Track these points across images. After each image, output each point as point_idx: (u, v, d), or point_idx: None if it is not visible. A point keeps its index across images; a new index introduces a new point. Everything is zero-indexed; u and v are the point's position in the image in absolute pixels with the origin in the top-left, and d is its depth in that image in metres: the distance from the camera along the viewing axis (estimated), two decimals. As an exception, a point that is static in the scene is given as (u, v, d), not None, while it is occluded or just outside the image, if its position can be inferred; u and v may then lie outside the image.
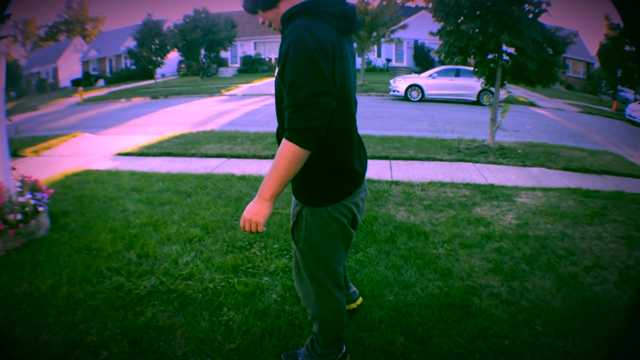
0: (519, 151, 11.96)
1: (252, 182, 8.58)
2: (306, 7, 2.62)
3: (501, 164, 10.59)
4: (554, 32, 11.94)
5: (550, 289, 4.83)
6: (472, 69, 13.59)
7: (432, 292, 4.60)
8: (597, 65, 49.89)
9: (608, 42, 41.73)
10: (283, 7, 2.72)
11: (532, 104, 30.01)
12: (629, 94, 46.00)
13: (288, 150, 2.50)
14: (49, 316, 4.50)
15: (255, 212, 2.68)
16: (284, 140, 2.52)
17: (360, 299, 4.33)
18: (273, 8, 2.75)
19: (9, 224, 6.20)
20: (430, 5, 12.15)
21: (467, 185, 8.54)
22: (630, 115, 27.48)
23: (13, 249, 6.23)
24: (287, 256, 5.49)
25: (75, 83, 64.99)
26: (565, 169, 10.52)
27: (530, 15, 11.39)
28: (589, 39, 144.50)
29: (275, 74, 2.70)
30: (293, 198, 3.07)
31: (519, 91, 36.72)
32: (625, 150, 15.36)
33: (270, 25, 2.88)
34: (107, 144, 14.20)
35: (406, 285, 4.75)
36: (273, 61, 60.18)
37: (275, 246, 5.76)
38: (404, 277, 4.91)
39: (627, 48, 39.20)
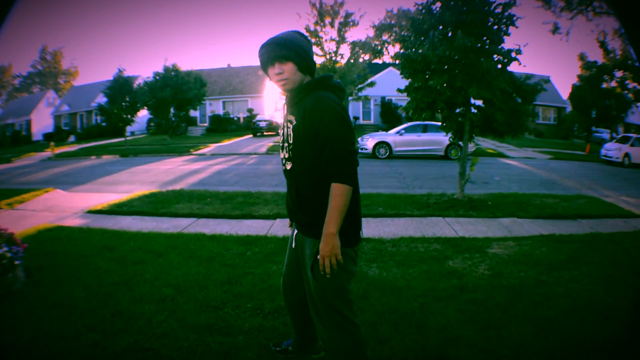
0: (489, 203, 12.12)
1: (223, 242, 8.65)
2: (323, 81, 3.42)
3: (471, 216, 10.74)
4: (524, 80, 12.28)
5: (527, 335, 4.95)
6: (439, 124, 13.78)
7: (409, 346, 4.65)
8: (569, 109, 50.69)
9: (582, 83, 42.47)
10: (304, 78, 3.46)
11: (502, 155, 30.49)
12: (604, 133, 46.94)
13: (343, 190, 3.12)
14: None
15: (331, 246, 3.11)
16: (336, 185, 3.13)
17: (322, 353, 4.34)
18: (305, 73, 3.46)
19: (-15, 275, 6.26)
20: (397, 61, 12.29)
21: (437, 240, 8.66)
22: (605, 155, 28.42)
23: (-8, 301, 6.24)
24: (261, 315, 5.54)
25: (47, 137, 64.82)
26: (537, 216, 10.72)
27: (500, 66, 11.69)
28: (561, 82, 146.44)
29: (289, 134, 3.46)
30: (308, 242, 3.47)
31: (487, 143, 37.17)
32: (600, 192, 15.75)
33: (279, 81, 3.45)
34: (77, 200, 14.18)
35: (382, 340, 4.80)
36: (242, 120, 60.42)
37: (248, 305, 5.80)
38: (379, 333, 4.96)
39: (604, 85, 39.88)
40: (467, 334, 4.93)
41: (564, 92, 69.59)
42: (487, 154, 30.37)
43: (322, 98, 3.25)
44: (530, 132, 51.18)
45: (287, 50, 3.32)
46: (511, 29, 11.60)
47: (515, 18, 11.48)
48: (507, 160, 27.76)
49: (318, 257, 3.26)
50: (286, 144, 3.50)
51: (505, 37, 11.67)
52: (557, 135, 55.87)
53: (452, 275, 6.78)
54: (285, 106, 3.62)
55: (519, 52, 11.66)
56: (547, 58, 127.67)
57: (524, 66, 20.82)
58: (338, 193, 3.12)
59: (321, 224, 3.20)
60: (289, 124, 3.48)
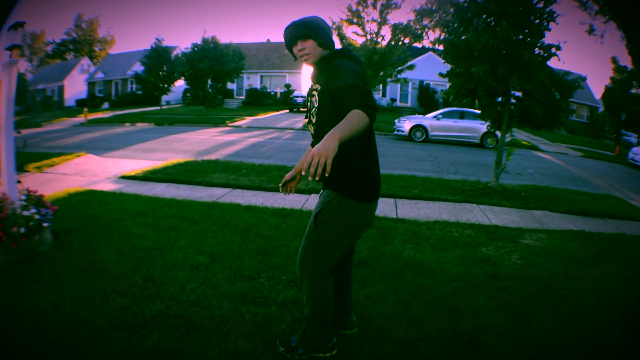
0: (522, 194, 12.05)
1: (259, 214, 8.61)
2: (342, 52, 3.81)
3: (505, 205, 10.69)
4: (562, 76, 12.16)
5: (555, 327, 4.90)
6: (476, 111, 13.75)
7: (441, 328, 4.65)
8: (601, 109, 50.43)
9: (613, 85, 42.22)
10: (324, 52, 3.84)
11: (535, 148, 30.21)
12: (632, 137, 46.45)
13: (361, 116, 3.05)
14: (51, 332, 4.48)
15: (326, 146, 2.84)
16: (354, 110, 3.07)
17: (355, 329, 4.54)
18: (325, 48, 3.84)
19: (11, 236, 6.22)
20: (437, 46, 12.47)
21: (472, 226, 8.62)
22: (632, 159, 27.89)
23: (14, 262, 6.22)
24: (295, 287, 5.50)
25: (80, 103, 65.57)
26: (568, 211, 10.59)
27: (540, 59, 11.60)
28: (595, 82, 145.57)
29: (314, 101, 3.78)
30: (324, 193, 3.86)
31: (521, 135, 36.98)
32: (626, 194, 15.51)
33: (302, 57, 3.86)
34: (110, 166, 14.26)
35: (415, 320, 4.79)
36: (279, 95, 60.82)
37: (283, 277, 5.77)
38: (412, 313, 4.95)
39: (633, 91, 39.56)
40: (498, 321, 4.91)
41: (597, 92, 69.17)
42: (522, 145, 30.08)
43: (342, 61, 3.59)
44: (564, 128, 50.84)
45: (307, 29, 3.77)
46: (551, 24, 11.58)
47: (555, 15, 11.40)
48: (540, 154, 27.44)
49: (327, 204, 3.72)
50: (312, 110, 3.84)
51: (545, 32, 11.63)
52: (588, 134, 55.59)
53: (485, 262, 6.74)
54: (312, 79, 3.96)
55: (558, 47, 11.62)
56: (583, 57, 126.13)
57: (563, 62, 20.62)
58: (355, 113, 3.06)
59: (341, 180, 3.66)
60: (314, 92, 3.83)
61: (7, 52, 6.65)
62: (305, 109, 4.07)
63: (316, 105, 3.76)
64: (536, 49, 11.60)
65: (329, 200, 3.72)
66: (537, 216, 9.94)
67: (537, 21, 11.52)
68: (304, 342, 4.02)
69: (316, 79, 3.86)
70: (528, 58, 11.10)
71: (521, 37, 11.45)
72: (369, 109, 3.10)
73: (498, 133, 12.86)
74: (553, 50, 11.60)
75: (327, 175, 2.83)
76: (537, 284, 6.03)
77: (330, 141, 2.86)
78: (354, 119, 3.02)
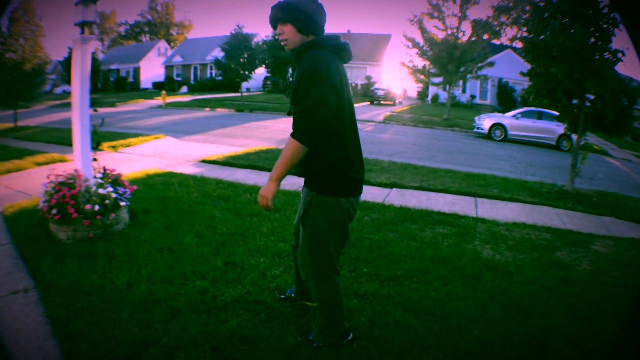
0: (594, 199, 11.89)
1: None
2: (318, 42, 3.76)
3: (578, 210, 10.61)
4: (628, 82, 12.19)
5: (614, 333, 4.85)
6: (553, 112, 13.69)
7: (515, 330, 4.67)
8: None
9: None
10: (305, 39, 3.80)
11: (605, 153, 29.47)
12: None
13: (292, 145, 3.53)
14: (122, 312, 4.63)
15: (265, 189, 3.65)
16: (289, 137, 3.55)
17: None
18: (306, 34, 3.80)
19: (84, 213, 6.46)
20: (516, 44, 12.49)
21: (548, 229, 8.55)
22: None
23: (84, 239, 6.47)
24: (377, 281, 5.56)
25: (157, 86, 67.10)
26: (631, 219, 10.41)
27: (609, 64, 11.57)
28: None
29: (292, 87, 3.79)
30: (304, 192, 4.03)
31: (593, 139, 36.12)
32: None
33: (282, 41, 3.87)
34: (190, 149, 14.63)
35: (491, 321, 4.82)
36: (359, 87, 60.95)
37: (364, 270, 5.83)
38: (489, 313, 4.99)
39: None
40: (565, 325, 4.89)
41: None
42: (593, 149, 29.39)
43: (310, 56, 3.63)
44: (630, 135, 49.58)
45: (285, 13, 3.74)
46: (616, 30, 11.41)
47: (618, 21, 11.22)
48: (609, 159, 26.69)
49: (307, 204, 3.88)
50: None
51: (612, 38, 11.50)
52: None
53: (559, 266, 6.70)
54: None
55: (623, 53, 11.49)
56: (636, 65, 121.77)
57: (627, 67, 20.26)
58: (287, 145, 3.58)
59: (314, 177, 3.83)
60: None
61: (78, 27, 6.87)
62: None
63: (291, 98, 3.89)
64: (605, 53, 11.57)
65: (309, 201, 3.89)
66: (605, 222, 9.85)
67: (605, 26, 11.47)
68: (320, 337, 4.18)
69: (295, 66, 3.93)
70: (600, 61, 11.13)
71: (592, 40, 11.44)
72: (300, 134, 3.52)
73: (573, 136, 12.86)
74: (619, 55, 11.52)
75: (270, 209, 3.71)
76: (602, 290, 6.00)
77: (268, 185, 3.64)
78: (286, 154, 3.57)
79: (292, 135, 3.53)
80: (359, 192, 4.03)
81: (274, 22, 3.84)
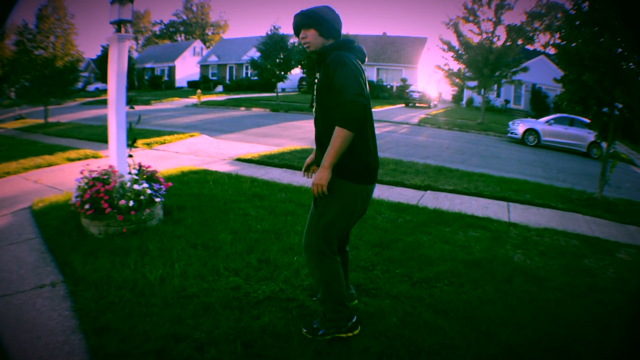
0: (621, 208, 11.92)
1: (375, 206, 8.69)
2: (343, 44, 4.15)
3: (605, 218, 10.58)
4: None
5: None
6: (585, 119, 13.83)
7: (541, 336, 4.73)
8: None
9: None
10: (325, 42, 4.18)
11: (631, 162, 29.24)
12: None
13: (342, 133, 3.78)
14: (154, 306, 4.70)
15: (320, 177, 3.87)
16: (337, 128, 3.80)
17: (355, 301, 4.96)
18: (327, 38, 4.17)
19: (117, 208, 6.56)
20: (552, 50, 12.47)
21: (577, 236, 8.53)
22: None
23: (117, 234, 6.56)
24: (409, 282, 5.58)
25: (192, 85, 67.65)
26: None
27: (635, 74, 11.65)
28: None
29: (315, 89, 4.17)
30: None
31: (621, 147, 35.79)
32: None
33: (304, 45, 4.25)
34: (225, 147, 14.75)
35: (520, 326, 4.85)
36: (394, 89, 61.07)
37: (397, 271, 5.85)
38: (517, 318, 5.00)
39: None
40: (590, 332, 4.93)
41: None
42: (621, 158, 29.06)
43: (338, 55, 3.96)
44: None
45: (309, 19, 4.14)
46: None
47: None
48: (635, 169, 26.53)
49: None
50: (314, 97, 4.25)
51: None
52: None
53: (586, 273, 6.70)
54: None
55: None
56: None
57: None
58: (336, 134, 3.82)
59: (342, 162, 3.97)
60: (316, 81, 4.21)
61: (113, 26, 6.97)
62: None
63: (315, 94, 4.19)
64: (631, 63, 11.61)
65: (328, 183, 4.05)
66: (630, 231, 9.85)
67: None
68: (324, 323, 4.31)
69: (319, 68, 4.21)
70: (627, 71, 11.23)
71: (619, 50, 11.48)
72: (348, 123, 3.78)
73: (603, 144, 13.01)
74: (642, 65, 11.62)
75: (325, 194, 3.91)
76: (624, 297, 6.00)
77: (322, 172, 3.86)
78: (336, 142, 3.80)
79: (340, 125, 3.78)
80: (375, 180, 4.32)
81: (298, 28, 4.23)
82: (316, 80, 4.21)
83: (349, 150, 3.92)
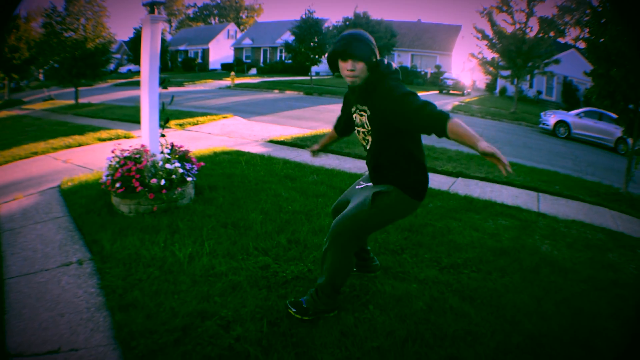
0: None
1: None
2: (392, 74, 3.95)
3: (630, 214, 10.51)
4: None
5: None
6: (613, 115, 13.86)
7: (565, 328, 4.70)
8: None
9: None
10: (375, 71, 3.91)
11: None
12: None
13: (456, 121, 3.53)
14: (182, 284, 4.78)
15: (486, 145, 3.44)
16: (449, 123, 3.52)
17: (379, 272, 5.25)
18: (374, 68, 3.90)
19: (148, 187, 6.64)
20: (582, 44, 12.48)
21: (603, 230, 8.49)
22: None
23: (147, 212, 6.66)
24: (437, 267, 5.60)
25: (226, 67, 67.95)
26: None
27: None
28: None
29: (367, 121, 4.06)
30: (384, 186, 4.21)
31: None
32: None
33: (348, 77, 3.91)
34: (258, 129, 14.83)
35: (544, 316, 4.86)
36: (428, 76, 61.22)
37: (426, 255, 5.87)
38: (542, 309, 5.01)
39: None
40: (610, 326, 4.93)
41: None
42: None
43: (391, 88, 3.81)
44: None
45: (363, 51, 3.82)
46: None
47: None
48: None
49: (388, 192, 4.10)
50: (363, 130, 4.17)
51: None
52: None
53: (610, 267, 6.63)
54: (353, 95, 4.21)
55: None
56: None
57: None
58: (454, 123, 3.52)
59: (401, 177, 4.11)
60: (362, 113, 4.09)
61: (146, 8, 7.01)
62: (343, 122, 5.11)
63: (369, 128, 4.06)
64: None
65: (390, 191, 4.12)
66: None
67: None
68: (314, 298, 4.32)
69: (362, 99, 4.05)
70: None
71: None
72: (443, 114, 3.57)
73: (629, 140, 12.99)
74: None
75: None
76: None
77: (483, 143, 3.45)
78: (460, 127, 3.53)
79: (445, 121, 3.54)
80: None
81: (347, 56, 3.82)
82: (362, 114, 4.07)
83: (412, 160, 4.09)
